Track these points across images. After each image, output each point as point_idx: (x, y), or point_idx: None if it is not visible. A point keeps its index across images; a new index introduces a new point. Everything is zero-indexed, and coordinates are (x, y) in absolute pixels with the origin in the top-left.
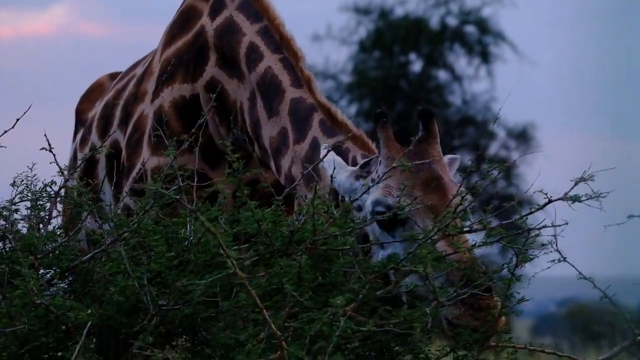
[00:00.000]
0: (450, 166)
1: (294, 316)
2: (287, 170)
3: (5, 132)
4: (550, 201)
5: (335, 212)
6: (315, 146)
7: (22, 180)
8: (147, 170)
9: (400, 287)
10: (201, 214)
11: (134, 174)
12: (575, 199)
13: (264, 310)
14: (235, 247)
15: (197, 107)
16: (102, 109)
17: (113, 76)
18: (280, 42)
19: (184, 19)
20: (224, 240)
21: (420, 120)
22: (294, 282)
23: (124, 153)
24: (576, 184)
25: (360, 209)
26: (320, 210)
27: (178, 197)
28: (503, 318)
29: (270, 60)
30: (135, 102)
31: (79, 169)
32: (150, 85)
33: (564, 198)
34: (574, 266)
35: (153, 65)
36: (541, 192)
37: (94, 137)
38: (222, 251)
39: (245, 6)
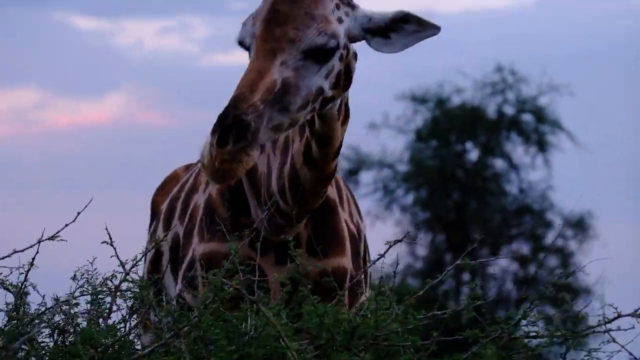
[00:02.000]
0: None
1: None
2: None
3: (67, 225)
4: (619, 316)
5: (397, 308)
6: None
7: (83, 274)
8: (195, 258)
9: None
10: (263, 305)
11: (184, 264)
12: None
13: None
14: (297, 342)
15: (241, 191)
16: (169, 202)
17: (188, 167)
18: None
19: None
20: (285, 333)
21: None
22: None
23: (181, 245)
24: None
25: None
26: (382, 306)
27: (238, 286)
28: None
29: None
30: (192, 193)
31: (143, 262)
32: (204, 176)
33: (634, 315)
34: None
35: None
36: (611, 306)
37: (160, 230)
38: (282, 343)
39: None
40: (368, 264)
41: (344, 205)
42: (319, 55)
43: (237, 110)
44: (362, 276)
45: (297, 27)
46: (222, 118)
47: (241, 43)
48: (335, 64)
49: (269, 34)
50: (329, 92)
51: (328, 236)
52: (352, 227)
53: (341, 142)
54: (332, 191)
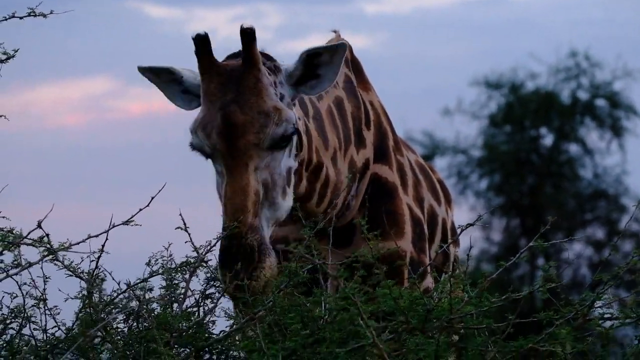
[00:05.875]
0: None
1: None
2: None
3: (140, 210)
4: None
5: (470, 291)
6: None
7: (157, 260)
8: None
9: None
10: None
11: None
12: None
13: None
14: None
15: None
16: None
17: None
18: None
19: None
20: (362, 311)
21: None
22: None
23: None
24: None
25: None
26: (456, 289)
27: (320, 261)
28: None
29: None
30: None
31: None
32: None
33: None
34: None
35: None
36: None
37: None
38: (361, 322)
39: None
40: (448, 248)
41: (407, 189)
42: (282, 142)
43: (237, 239)
44: (427, 259)
45: (257, 131)
46: (226, 250)
47: (200, 150)
48: (294, 138)
49: (234, 148)
50: (295, 165)
51: (385, 219)
52: (416, 211)
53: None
54: (391, 175)
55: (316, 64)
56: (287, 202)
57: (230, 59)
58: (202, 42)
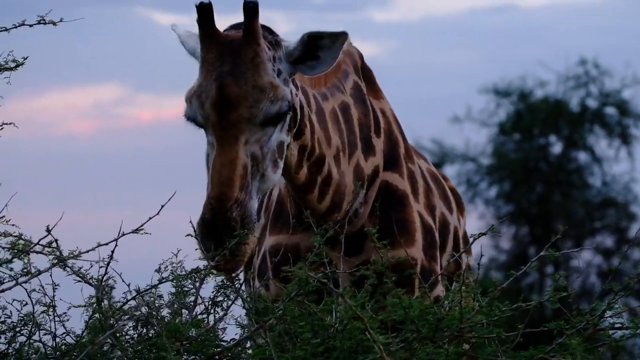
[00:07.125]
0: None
1: None
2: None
3: (150, 218)
4: None
5: (481, 300)
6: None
7: (167, 267)
8: (265, 251)
9: None
10: (348, 298)
11: (259, 257)
12: None
13: None
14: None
15: None
16: None
17: None
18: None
19: None
20: (370, 325)
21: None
22: None
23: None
24: None
25: None
26: (466, 298)
27: (325, 281)
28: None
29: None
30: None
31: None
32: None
33: None
34: None
35: None
36: None
37: None
38: (368, 336)
39: None
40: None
41: (418, 197)
42: (276, 119)
43: (222, 212)
44: (438, 267)
45: (251, 106)
46: (209, 223)
47: (193, 120)
48: (288, 116)
49: (225, 121)
50: (287, 140)
51: (395, 227)
52: (427, 218)
53: (300, 157)
54: (402, 182)
55: (317, 46)
56: (277, 175)
57: (232, 29)
58: (204, 11)
